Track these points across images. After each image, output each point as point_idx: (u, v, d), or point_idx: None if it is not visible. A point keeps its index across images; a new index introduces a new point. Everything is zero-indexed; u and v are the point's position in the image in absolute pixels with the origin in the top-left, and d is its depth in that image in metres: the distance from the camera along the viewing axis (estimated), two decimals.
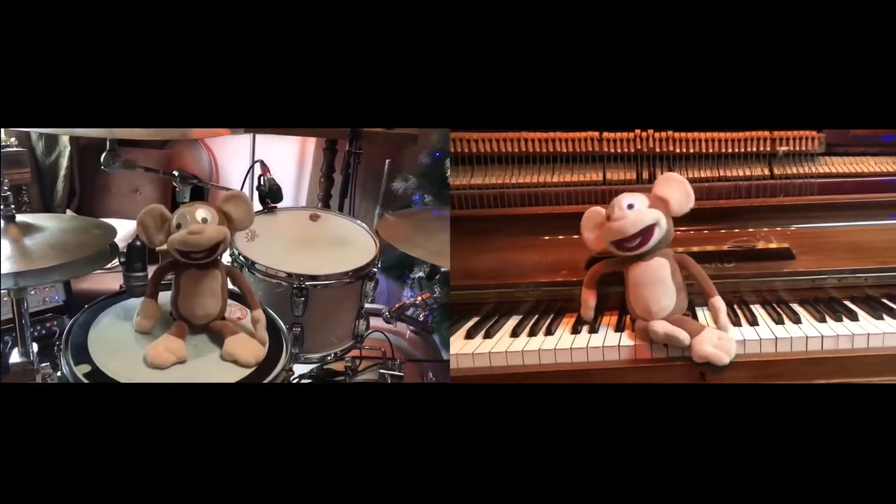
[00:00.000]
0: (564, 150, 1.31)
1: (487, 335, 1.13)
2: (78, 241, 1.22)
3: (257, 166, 1.68)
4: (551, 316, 1.20)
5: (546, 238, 1.28)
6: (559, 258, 1.26)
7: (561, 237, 1.28)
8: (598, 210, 1.13)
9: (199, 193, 1.67)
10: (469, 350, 1.07)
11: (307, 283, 1.45)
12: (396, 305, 1.74)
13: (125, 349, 1.11)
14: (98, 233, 1.28)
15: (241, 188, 1.70)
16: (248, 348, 1.13)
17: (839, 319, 1.09)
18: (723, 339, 1.03)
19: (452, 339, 1.13)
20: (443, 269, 1.95)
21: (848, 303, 1.16)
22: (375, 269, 1.57)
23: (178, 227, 1.10)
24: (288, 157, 2.74)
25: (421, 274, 2.07)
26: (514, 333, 1.13)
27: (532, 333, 1.13)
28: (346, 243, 1.64)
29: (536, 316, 1.21)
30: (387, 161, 2.17)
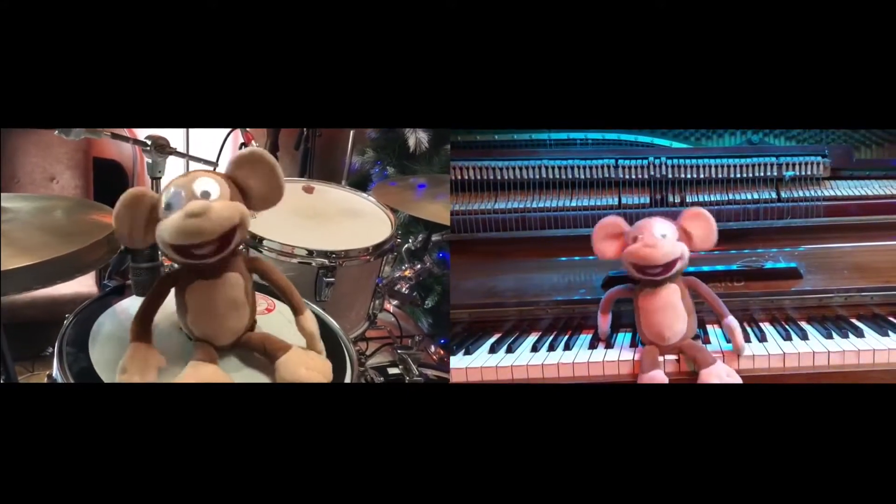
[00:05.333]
0: (582, 177, 1.40)
1: (509, 350, 1.20)
2: (76, 221, 0.96)
3: (238, 133, 1.38)
4: (569, 332, 1.27)
5: (564, 259, 1.36)
6: (577, 278, 1.33)
7: (578, 258, 1.36)
8: (616, 221, 1.15)
9: None
10: (492, 363, 1.15)
11: (337, 262, 1.24)
12: (386, 280, 1.61)
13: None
14: (92, 213, 1.03)
15: (218, 159, 1.42)
16: (313, 367, 0.88)
17: (845, 336, 1.14)
18: (731, 376, 1.05)
19: (476, 353, 1.21)
20: (434, 239, 1.92)
21: (854, 320, 1.21)
22: (398, 241, 1.47)
23: (168, 208, 0.77)
24: (221, 135, 2.33)
25: (409, 245, 1.97)
26: (535, 348, 1.20)
27: (552, 348, 1.20)
28: (358, 215, 1.51)
29: (555, 332, 1.28)
30: (350, 132, 2.04)
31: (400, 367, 1.54)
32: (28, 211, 1.04)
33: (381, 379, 1.61)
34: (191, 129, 2.34)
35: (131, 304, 0.96)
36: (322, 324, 1.04)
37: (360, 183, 1.95)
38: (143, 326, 0.86)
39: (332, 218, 1.49)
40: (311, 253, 1.29)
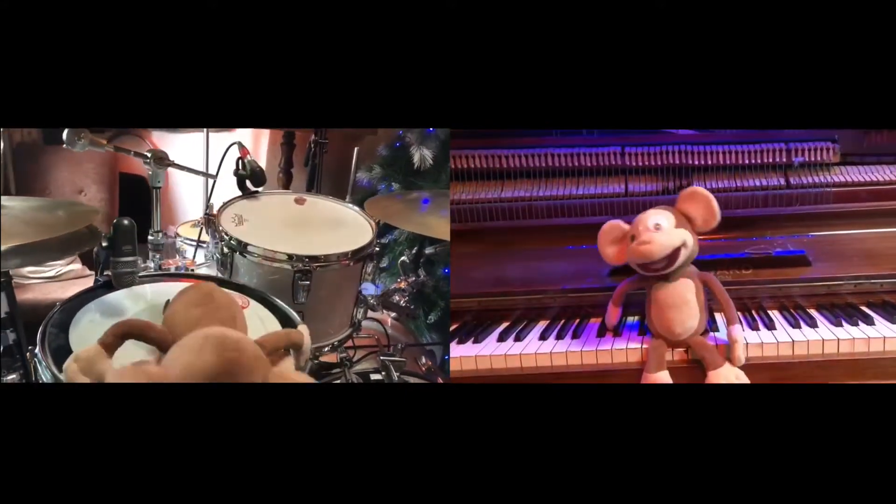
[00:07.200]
0: (588, 164, 1.39)
1: (518, 338, 1.20)
2: (55, 216, 1.11)
3: (235, 148, 1.55)
4: (577, 320, 1.27)
5: (571, 248, 1.36)
6: (584, 266, 1.32)
7: (585, 246, 1.35)
8: (617, 224, 1.15)
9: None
10: (501, 352, 1.15)
11: (312, 266, 1.35)
12: (381, 292, 1.69)
13: (118, 357, 0.89)
14: (75, 210, 1.18)
15: (218, 172, 1.60)
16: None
17: (855, 323, 1.13)
18: (740, 378, 1.04)
19: (485, 341, 1.21)
20: (427, 252, 1.97)
21: (864, 308, 1.21)
22: (377, 249, 1.55)
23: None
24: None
25: (404, 258, 2.01)
26: (543, 336, 1.20)
27: (560, 336, 1.20)
28: (342, 225, 1.58)
29: (563, 321, 1.28)
30: (355, 149, 2.09)
31: (382, 373, 1.56)
32: (21, 209, 1.17)
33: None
34: (210, 139, 2.45)
35: (115, 297, 1.09)
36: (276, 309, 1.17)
37: (366, 198, 1.99)
38: (115, 338, 0.88)
39: (317, 226, 1.57)
40: (290, 257, 1.37)
